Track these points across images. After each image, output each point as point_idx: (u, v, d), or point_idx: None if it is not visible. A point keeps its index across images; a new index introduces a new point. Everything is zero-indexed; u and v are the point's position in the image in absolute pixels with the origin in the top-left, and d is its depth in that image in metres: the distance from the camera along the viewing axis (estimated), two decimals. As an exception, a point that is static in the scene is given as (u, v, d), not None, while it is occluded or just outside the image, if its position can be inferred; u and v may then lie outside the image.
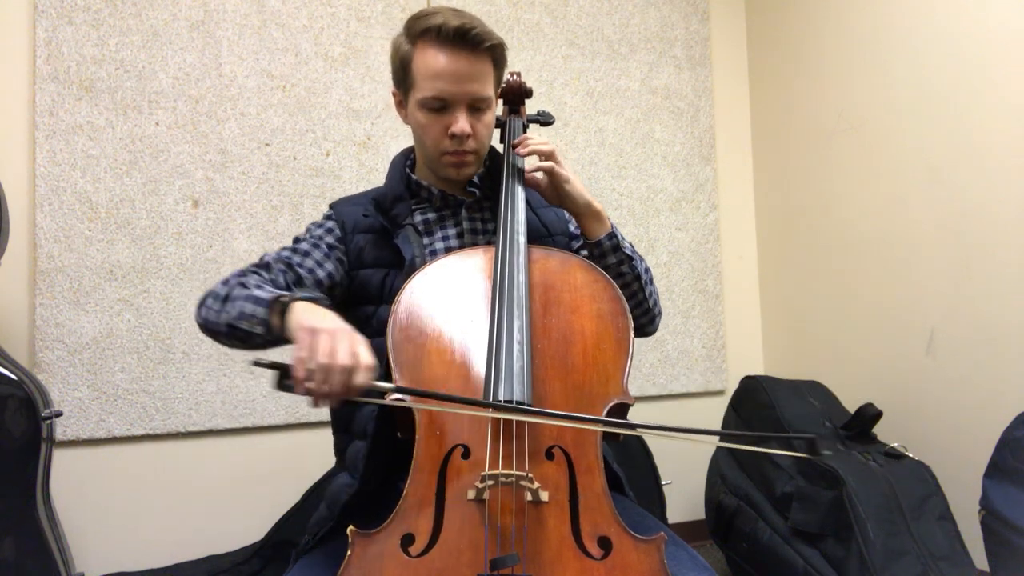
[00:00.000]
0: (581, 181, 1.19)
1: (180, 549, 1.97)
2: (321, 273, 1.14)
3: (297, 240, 1.20)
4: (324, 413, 1.24)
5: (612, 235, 1.18)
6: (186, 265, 2.02)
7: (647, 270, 1.24)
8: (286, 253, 1.16)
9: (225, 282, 1.05)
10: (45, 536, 1.49)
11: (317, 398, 0.85)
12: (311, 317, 0.90)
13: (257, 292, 1.00)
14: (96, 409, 1.93)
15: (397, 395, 0.91)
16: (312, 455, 1.87)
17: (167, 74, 2.03)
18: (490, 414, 0.91)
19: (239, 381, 2.05)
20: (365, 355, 0.85)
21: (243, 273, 1.08)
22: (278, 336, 0.96)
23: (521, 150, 1.20)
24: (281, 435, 2.10)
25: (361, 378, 0.84)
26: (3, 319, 1.87)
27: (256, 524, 2.00)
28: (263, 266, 1.12)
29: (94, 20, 1.98)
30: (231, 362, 2.04)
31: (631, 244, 1.23)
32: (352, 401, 0.88)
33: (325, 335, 0.85)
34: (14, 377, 1.48)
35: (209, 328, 1.04)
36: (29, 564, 1.46)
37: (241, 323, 0.98)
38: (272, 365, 0.86)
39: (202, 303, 1.05)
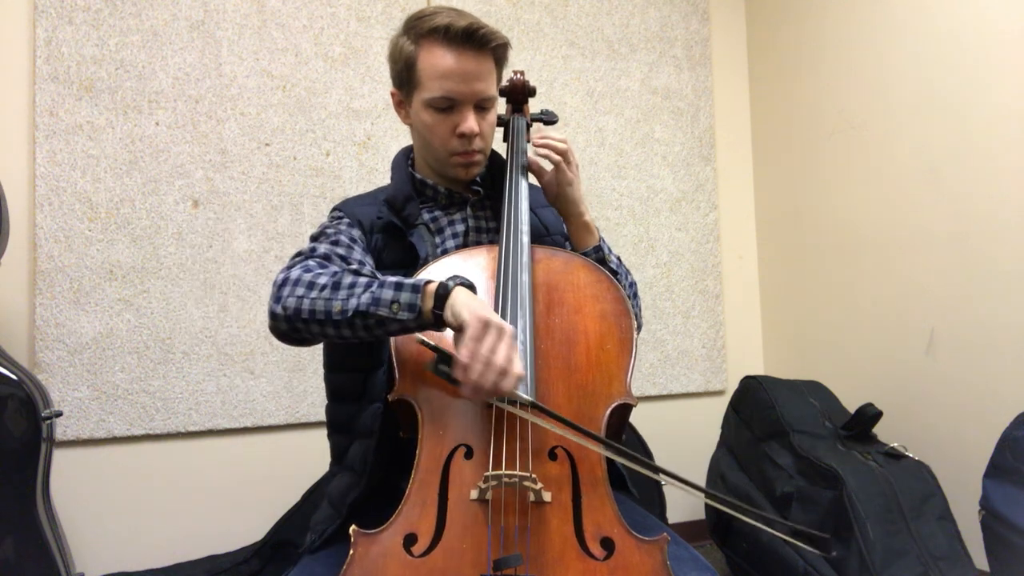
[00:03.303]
0: (581, 189, 1.20)
1: (180, 549, 1.97)
2: (367, 269, 1.09)
3: (324, 236, 1.12)
4: (322, 413, 1.23)
5: (599, 248, 1.19)
6: (186, 265, 2.02)
7: (632, 284, 1.25)
8: (325, 248, 1.08)
9: (307, 270, 0.99)
10: (45, 536, 1.49)
11: (468, 388, 0.87)
12: (481, 306, 0.89)
13: (389, 278, 0.95)
14: (96, 409, 1.92)
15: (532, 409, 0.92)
16: (312, 455, 1.86)
17: (167, 74, 2.03)
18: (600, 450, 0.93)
19: (239, 381, 2.05)
20: (518, 363, 0.88)
21: (323, 264, 1.02)
22: (424, 323, 0.92)
23: (538, 141, 1.19)
24: (281, 435, 2.10)
25: (509, 384, 0.86)
26: (3, 319, 1.87)
27: (256, 524, 2.00)
28: (323, 256, 1.05)
29: (94, 20, 1.97)
30: (231, 362, 2.04)
31: (618, 258, 1.25)
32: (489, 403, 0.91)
33: (495, 330, 0.87)
34: (14, 377, 1.48)
35: (309, 318, 0.95)
36: (29, 564, 1.45)
37: (379, 310, 0.92)
38: (439, 348, 0.89)
39: (284, 294, 0.97)
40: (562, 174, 1.18)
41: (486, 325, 0.86)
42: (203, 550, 1.99)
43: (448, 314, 0.90)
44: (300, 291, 0.97)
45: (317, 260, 1.04)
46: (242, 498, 2.04)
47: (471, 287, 0.95)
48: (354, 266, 1.05)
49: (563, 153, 1.18)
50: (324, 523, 1.07)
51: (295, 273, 1.00)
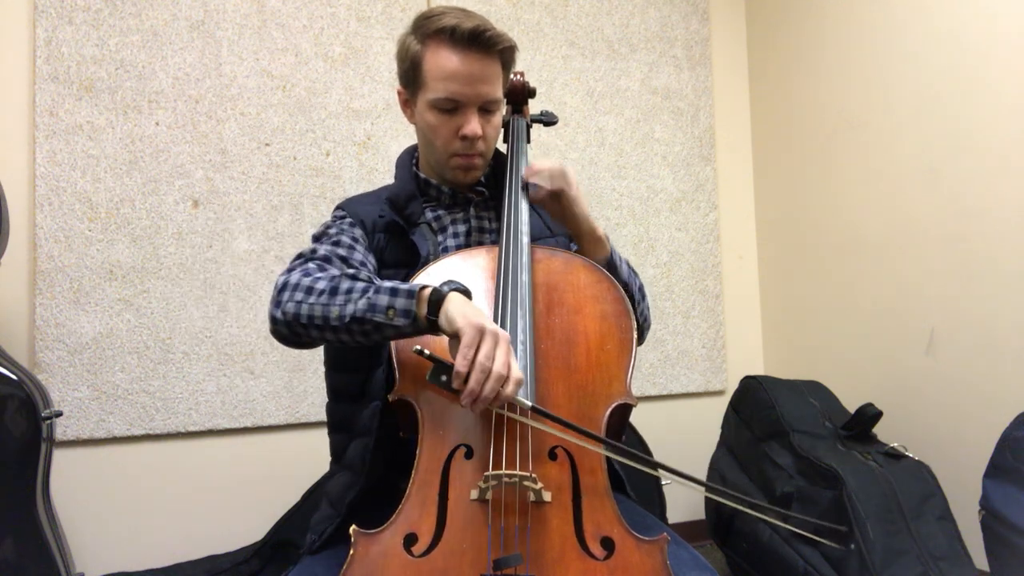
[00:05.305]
0: (586, 203, 1.17)
1: (180, 549, 1.97)
2: (364, 273, 1.08)
3: (326, 236, 1.13)
4: (322, 413, 1.24)
5: (610, 261, 1.16)
6: (186, 265, 2.02)
7: (640, 288, 1.24)
8: (325, 249, 1.09)
9: (307, 274, 1.00)
10: (45, 536, 1.49)
11: (467, 397, 0.86)
12: (475, 313, 0.89)
13: (385, 283, 0.95)
14: (96, 409, 1.92)
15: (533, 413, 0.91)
16: (312, 455, 1.87)
17: (167, 74, 2.03)
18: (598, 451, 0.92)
19: (239, 381, 2.05)
20: (517, 368, 0.87)
21: (322, 267, 1.03)
22: (420, 328, 0.92)
23: (529, 176, 1.16)
24: (281, 435, 2.10)
25: (510, 390, 0.86)
26: (3, 319, 1.87)
27: (256, 524, 2.00)
28: (323, 259, 1.06)
29: (94, 20, 1.97)
30: (231, 362, 2.04)
31: (627, 261, 1.23)
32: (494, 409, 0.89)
33: (490, 337, 0.86)
34: (14, 377, 1.48)
35: (308, 323, 0.96)
36: (29, 564, 1.45)
37: (375, 316, 0.92)
38: (435, 358, 0.88)
39: (284, 299, 0.98)
40: (565, 198, 1.14)
41: (481, 332, 0.86)
42: (203, 550, 1.99)
43: (443, 320, 0.90)
44: (299, 296, 0.97)
45: (317, 262, 1.05)
46: (242, 498, 2.04)
47: (466, 292, 0.94)
48: (354, 268, 1.05)
49: (560, 175, 1.14)
50: (324, 523, 1.07)
51: (295, 277, 1.00)
